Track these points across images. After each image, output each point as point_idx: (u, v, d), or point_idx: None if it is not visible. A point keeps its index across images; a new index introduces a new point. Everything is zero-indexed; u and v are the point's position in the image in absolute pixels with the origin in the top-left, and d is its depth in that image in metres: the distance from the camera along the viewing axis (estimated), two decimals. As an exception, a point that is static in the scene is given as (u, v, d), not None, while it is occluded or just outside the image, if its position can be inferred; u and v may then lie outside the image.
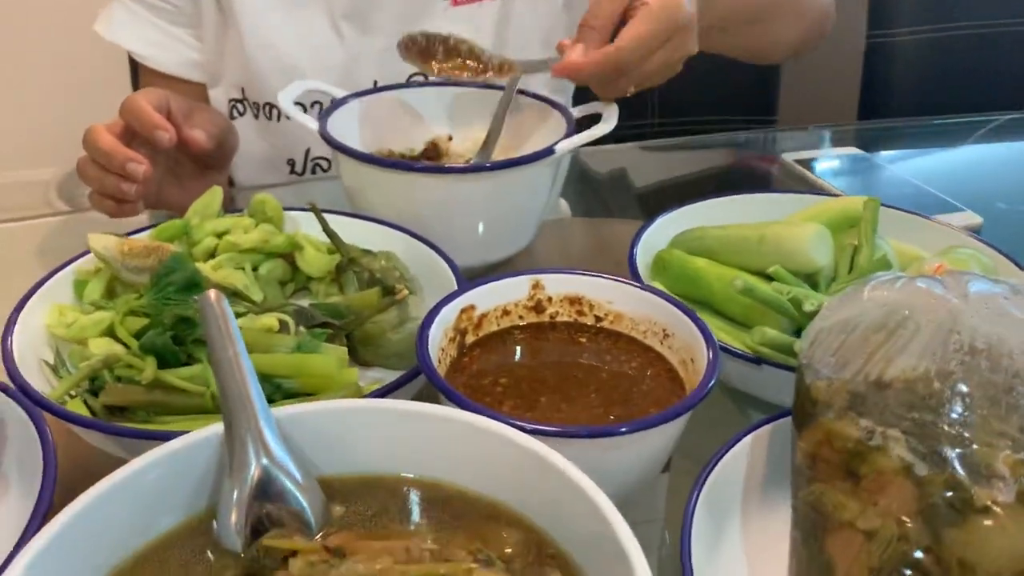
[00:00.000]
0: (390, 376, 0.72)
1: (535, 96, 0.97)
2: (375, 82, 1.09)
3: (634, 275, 0.79)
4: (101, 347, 0.69)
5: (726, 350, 0.68)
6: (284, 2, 1.07)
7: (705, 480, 0.56)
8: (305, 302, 0.80)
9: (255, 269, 0.79)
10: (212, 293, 0.55)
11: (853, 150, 1.20)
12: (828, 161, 1.16)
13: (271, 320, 0.68)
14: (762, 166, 1.22)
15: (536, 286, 0.69)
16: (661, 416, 0.56)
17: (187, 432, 0.51)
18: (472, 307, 0.67)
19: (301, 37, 1.08)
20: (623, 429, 0.56)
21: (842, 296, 0.59)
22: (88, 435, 0.63)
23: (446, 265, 0.79)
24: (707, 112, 1.65)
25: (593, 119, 0.91)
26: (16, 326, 0.69)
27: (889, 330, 0.53)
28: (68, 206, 2.86)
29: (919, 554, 0.48)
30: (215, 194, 0.83)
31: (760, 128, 1.58)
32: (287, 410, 0.53)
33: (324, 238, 0.84)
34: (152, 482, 0.49)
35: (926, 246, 0.86)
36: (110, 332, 0.71)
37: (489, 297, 0.68)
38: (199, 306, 0.54)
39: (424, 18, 1.08)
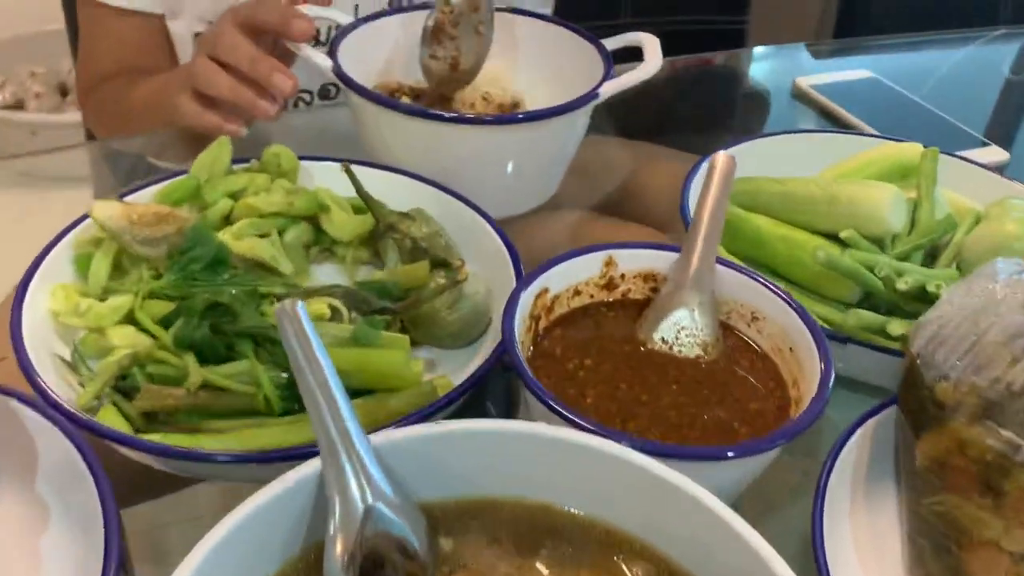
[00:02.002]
0: (442, 356, 0.67)
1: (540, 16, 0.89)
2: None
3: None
4: (124, 338, 0.61)
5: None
6: None
7: (826, 482, 0.53)
8: (339, 274, 0.73)
9: (279, 234, 0.71)
10: (288, 305, 0.48)
11: (864, 73, 1.15)
12: (841, 85, 1.11)
13: (320, 306, 0.61)
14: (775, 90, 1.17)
15: (609, 263, 0.64)
16: (778, 434, 0.52)
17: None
18: (545, 290, 0.61)
19: None
20: (730, 453, 0.51)
21: (964, 286, 0.55)
22: (135, 453, 0.56)
23: (488, 226, 0.72)
24: (681, 9, 1.56)
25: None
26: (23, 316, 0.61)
27: (1034, 335, 0.50)
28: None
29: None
30: (223, 147, 0.74)
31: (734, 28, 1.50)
32: (384, 436, 0.47)
33: (346, 192, 0.76)
34: (254, 534, 0.43)
35: (973, 194, 0.83)
36: (130, 318, 0.63)
37: (562, 278, 0.62)
38: (277, 321, 0.48)
39: None
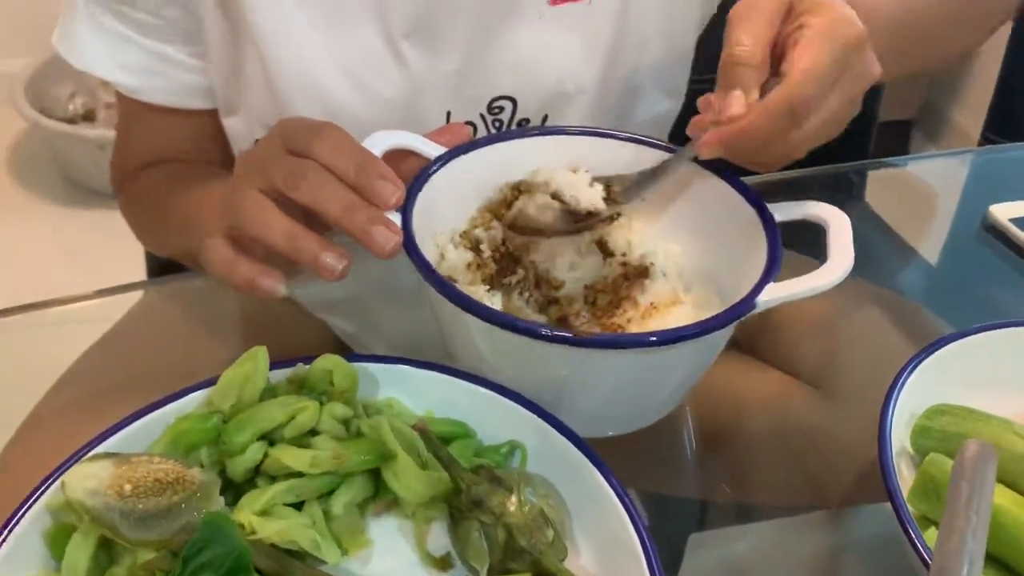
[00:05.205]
0: None
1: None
2: (448, 114, 0.79)
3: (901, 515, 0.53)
4: None
5: None
6: (322, 21, 0.73)
7: None
8: (403, 537, 0.54)
9: (328, 494, 0.52)
10: None
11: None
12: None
13: None
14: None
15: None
16: None
17: None
18: None
19: (349, 65, 0.75)
20: None
21: None
22: None
23: (612, 495, 0.52)
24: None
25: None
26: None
27: None
28: (35, 108, 2.50)
29: None
30: (257, 362, 0.55)
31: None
32: None
33: (422, 399, 0.58)
34: None
35: None
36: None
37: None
38: None
39: (509, 26, 0.76)
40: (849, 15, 0.59)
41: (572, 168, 0.66)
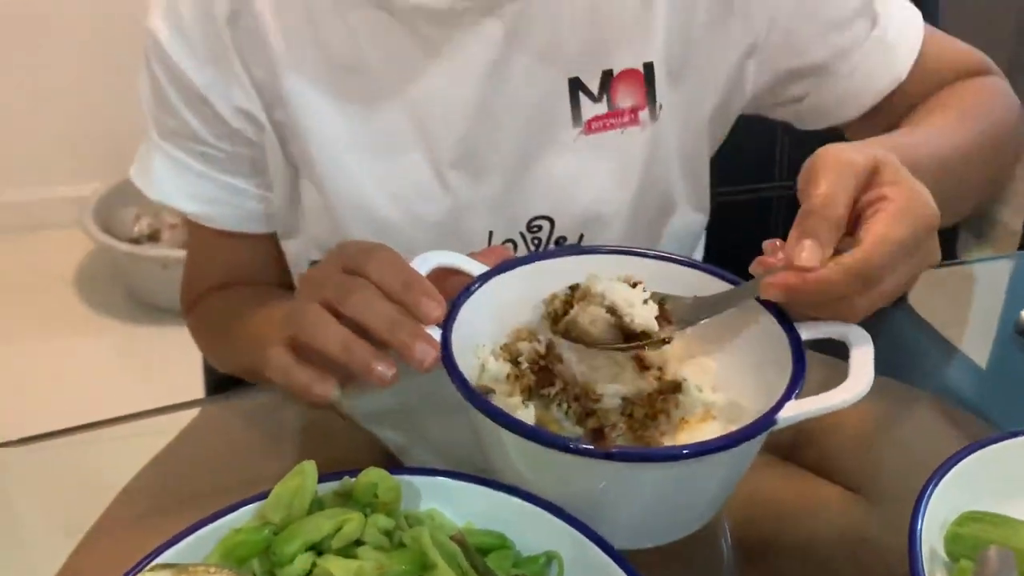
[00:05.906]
0: None
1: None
2: (490, 233, 0.84)
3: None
4: None
5: None
6: (375, 154, 0.81)
7: None
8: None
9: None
10: None
11: None
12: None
13: None
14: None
15: None
16: None
17: None
18: None
19: (400, 192, 0.82)
20: None
21: None
22: None
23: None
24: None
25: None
26: None
27: None
28: (102, 230, 2.61)
29: None
30: (307, 476, 0.58)
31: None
32: None
33: (461, 510, 0.60)
34: None
35: None
36: None
37: None
38: None
39: (546, 153, 0.82)
40: (926, 195, 0.61)
41: (629, 281, 0.67)
